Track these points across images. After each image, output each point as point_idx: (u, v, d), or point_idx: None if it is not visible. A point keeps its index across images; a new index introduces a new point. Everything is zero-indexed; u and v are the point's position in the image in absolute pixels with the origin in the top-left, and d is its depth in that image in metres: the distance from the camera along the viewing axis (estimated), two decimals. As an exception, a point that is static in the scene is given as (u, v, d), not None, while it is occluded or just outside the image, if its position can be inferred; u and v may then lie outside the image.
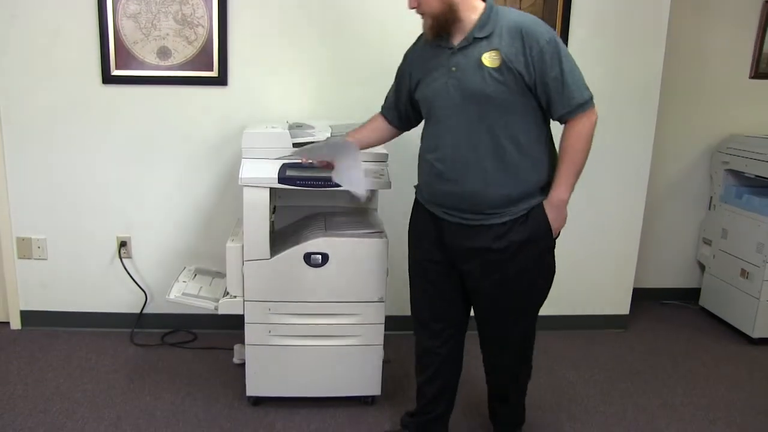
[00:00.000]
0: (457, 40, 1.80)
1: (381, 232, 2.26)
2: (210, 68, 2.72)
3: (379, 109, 2.13)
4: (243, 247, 2.19)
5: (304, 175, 2.14)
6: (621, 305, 3.19)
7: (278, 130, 2.26)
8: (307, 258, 2.19)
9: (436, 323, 2.03)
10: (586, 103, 1.77)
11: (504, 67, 1.73)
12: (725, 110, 3.41)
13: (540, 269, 1.92)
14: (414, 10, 1.82)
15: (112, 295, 2.94)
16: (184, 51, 2.70)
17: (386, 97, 2.11)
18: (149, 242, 2.90)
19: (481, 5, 1.81)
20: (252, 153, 2.20)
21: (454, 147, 1.82)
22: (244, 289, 2.23)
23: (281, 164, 2.17)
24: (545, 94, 1.76)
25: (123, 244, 2.88)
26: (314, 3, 2.70)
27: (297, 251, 2.19)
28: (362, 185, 2.03)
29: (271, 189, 2.14)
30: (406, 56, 2.02)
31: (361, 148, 2.08)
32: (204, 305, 2.33)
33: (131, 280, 2.90)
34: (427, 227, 1.95)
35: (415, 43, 2.00)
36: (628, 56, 2.88)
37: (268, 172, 2.13)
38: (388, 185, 2.17)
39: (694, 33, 3.27)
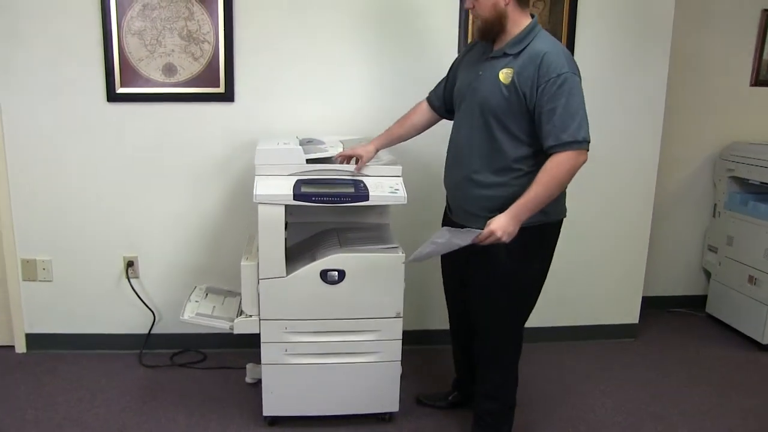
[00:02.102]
0: (495, 49, 1.97)
1: (396, 246, 2.25)
2: (216, 84, 2.70)
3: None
4: (258, 265, 2.16)
5: (320, 191, 2.12)
6: (630, 314, 3.19)
7: (291, 145, 2.24)
8: (324, 275, 2.17)
9: None
10: (576, 143, 1.83)
11: (512, 85, 1.88)
12: (727, 118, 3.44)
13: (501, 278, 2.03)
14: (469, 11, 2.03)
15: (120, 315, 2.89)
16: (190, 67, 2.68)
17: (436, 85, 2.28)
18: (157, 261, 2.86)
19: (526, 23, 1.92)
20: (265, 170, 2.18)
21: (459, 142, 2.06)
22: (259, 307, 2.20)
23: (295, 180, 2.15)
24: (539, 123, 1.86)
25: (130, 264, 2.84)
26: (319, 19, 2.69)
27: (313, 269, 2.17)
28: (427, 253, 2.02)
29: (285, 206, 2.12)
30: (456, 59, 2.22)
31: (407, 134, 2.31)
32: (219, 325, 2.30)
33: (139, 300, 2.85)
34: None
35: (464, 50, 2.21)
36: (633, 66, 2.89)
37: (283, 188, 2.11)
38: (404, 200, 2.15)
39: (695, 42, 3.29)
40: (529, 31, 1.92)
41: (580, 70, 1.90)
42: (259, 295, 2.19)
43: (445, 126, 2.20)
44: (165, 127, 2.73)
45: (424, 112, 2.29)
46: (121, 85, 2.67)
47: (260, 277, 2.17)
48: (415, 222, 2.62)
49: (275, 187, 2.12)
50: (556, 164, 1.84)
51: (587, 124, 1.85)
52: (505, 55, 1.93)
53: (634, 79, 2.91)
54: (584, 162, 1.86)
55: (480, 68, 1.99)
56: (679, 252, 3.58)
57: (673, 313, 3.56)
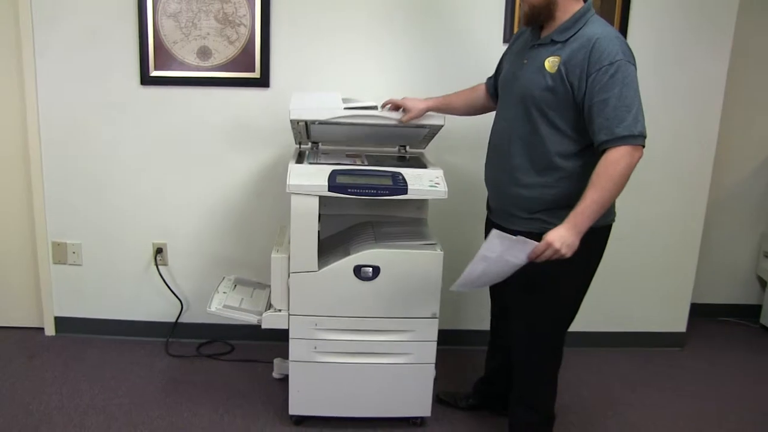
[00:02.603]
0: (542, 36, 1.83)
1: (434, 243, 2.13)
2: (252, 69, 2.61)
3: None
4: (289, 258, 2.07)
5: (356, 182, 2.01)
6: (678, 322, 3.02)
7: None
8: (357, 271, 2.06)
9: None
10: (631, 137, 1.66)
11: (558, 75, 1.73)
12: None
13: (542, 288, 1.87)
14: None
15: (147, 303, 2.84)
16: (225, 51, 2.60)
17: (490, 76, 2.17)
18: (186, 249, 2.80)
19: (577, 8, 1.78)
20: (300, 113, 2.09)
21: (500, 135, 1.93)
22: (289, 302, 2.11)
23: (330, 170, 2.05)
24: (589, 116, 1.70)
25: (159, 251, 2.78)
26: (361, 2, 2.58)
27: (347, 263, 2.06)
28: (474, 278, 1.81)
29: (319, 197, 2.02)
30: (513, 37, 2.06)
31: (462, 108, 2.21)
32: (246, 318, 2.21)
33: (167, 288, 2.79)
34: None
35: (513, 37, 2.05)
36: (690, 57, 2.71)
37: (317, 178, 2.01)
38: (444, 194, 2.03)
39: (760, 33, 3.07)
40: (580, 16, 1.76)
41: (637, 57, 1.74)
42: (289, 289, 2.10)
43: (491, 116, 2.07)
44: (198, 112, 2.65)
45: (481, 93, 2.18)
46: (155, 68, 2.60)
47: (291, 271, 2.07)
48: (455, 218, 2.50)
49: (309, 177, 2.02)
50: (611, 162, 1.67)
51: (643, 117, 1.69)
52: (553, 42, 1.78)
53: (691, 70, 2.72)
54: (639, 159, 1.69)
55: (525, 56, 1.86)
56: (732, 258, 3.38)
57: (724, 323, 3.37)
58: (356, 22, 2.59)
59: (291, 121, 2.12)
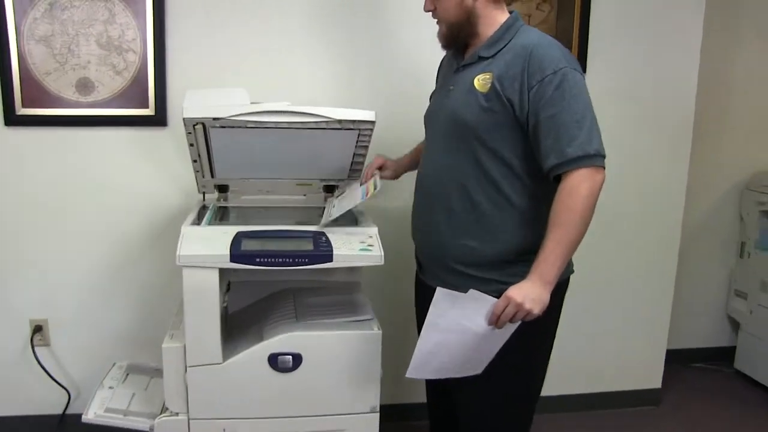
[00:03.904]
0: (467, 56, 1.55)
1: (370, 319, 1.71)
2: (145, 105, 2.15)
3: None
4: (185, 347, 1.61)
5: (267, 249, 1.57)
6: (652, 378, 2.68)
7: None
8: (273, 360, 1.62)
9: None
10: (587, 158, 1.34)
11: (493, 92, 1.44)
12: (757, 143, 2.96)
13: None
14: (430, 14, 1.58)
15: (28, 393, 2.30)
16: (110, 83, 2.13)
17: None
18: (72, 325, 2.27)
19: (503, 20, 1.48)
20: (197, 111, 1.67)
21: (429, 178, 1.61)
22: (188, 403, 1.64)
23: (235, 233, 1.61)
24: (535, 137, 1.41)
25: (38, 329, 2.26)
26: (275, 15, 2.16)
27: (259, 352, 1.62)
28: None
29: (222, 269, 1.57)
30: (438, 69, 1.77)
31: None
32: (134, 426, 1.72)
33: (46, 374, 2.27)
34: None
35: (441, 62, 1.76)
36: (657, 84, 2.40)
37: (217, 245, 1.56)
38: (380, 259, 1.61)
39: (722, 57, 2.81)
40: (509, 26, 1.49)
41: (596, 83, 1.45)
42: (187, 386, 1.63)
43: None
44: (80, 158, 2.16)
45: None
46: (24, 106, 2.10)
47: (188, 364, 1.61)
48: (397, 276, 2.09)
49: (207, 243, 1.57)
50: (569, 191, 1.35)
51: (599, 133, 1.38)
52: (481, 59, 1.50)
53: (657, 99, 2.42)
54: (602, 182, 1.37)
55: (450, 82, 1.57)
56: (703, 297, 3.06)
57: (697, 369, 3.05)
58: (277, 41, 2.18)
59: (186, 126, 1.70)
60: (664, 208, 2.54)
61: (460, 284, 1.40)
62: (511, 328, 1.38)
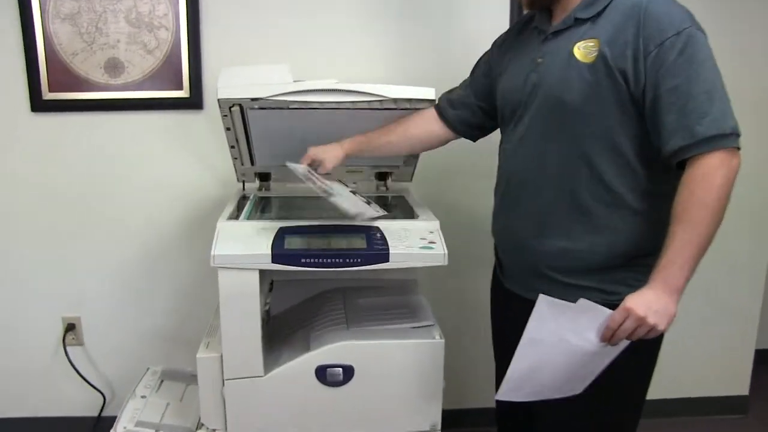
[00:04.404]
0: (557, 21, 1.28)
1: (431, 324, 1.50)
2: (179, 86, 1.97)
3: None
4: (222, 357, 1.43)
5: (313, 248, 1.37)
6: (738, 383, 2.40)
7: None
8: (321, 373, 1.42)
9: None
10: (721, 137, 1.09)
11: (600, 63, 1.17)
12: None
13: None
14: None
15: (63, 394, 2.18)
16: (141, 63, 1.95)
17: (451, 89, 1.56)
18: (106, 323, 2.14)
19: None
20: (233, 91, 1.46)
21: (516, 171, 1.34)
22: (226, 419, 1.46)
23: (277, 229, 1.42)
24: (654, 114, 1.15)
25: (70, 328, 2.12)
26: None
27: (305, 363, 1.42)
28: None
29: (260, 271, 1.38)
30: (494, 43, 1.49)
31: (396, 144, 1.55)
32: (167, 443, 1.56)
33: (79, 375, 2.13)
34: None
35: (509, 29, 1.48)
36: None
37: (256, 244, 1.37)
38: (443, 259, 1.40)
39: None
40: None
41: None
42: (225, 401, 1.45)
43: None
44: (110, 145, 2.00)
45: (429, 121, 1.55)
46: (50, 90, 1.95)
47: (226, 377, 1.43)
48: (463, 271, 1.88)
49: (245, 242, 1.38)
50: (700, 180, 1.10)
51: (730, 106, 1.12)
52: (578, 21, 1.23)
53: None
54: (738, 168, 1.12)
55: (538, 53, 1.29)
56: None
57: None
58: (319, 21, 1.96)
59: (221, 109, 1.51)
60: (753, 192, 2.24)
61: (551, 292, 1.16)
62: (623, 344, 1.15)
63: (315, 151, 1.49)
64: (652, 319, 1.09)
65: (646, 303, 1.10)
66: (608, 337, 1.13)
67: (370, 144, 1.54)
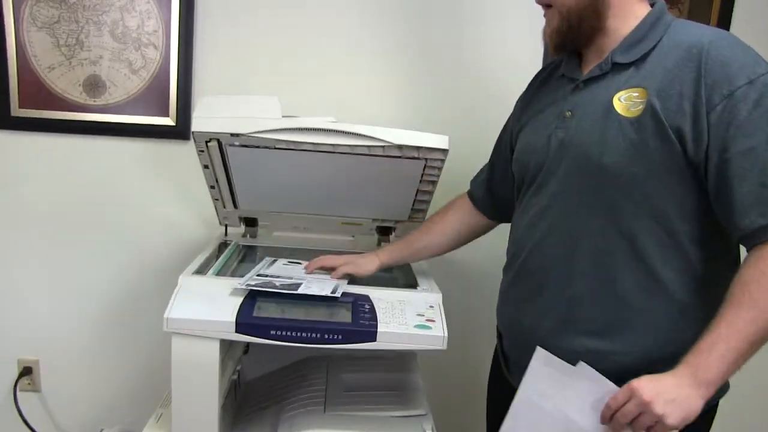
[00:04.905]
0: (588, 68, 1.07)
1: (423, 414, 1.26)
2: (165, 112, 1.76)
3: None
4: (171, 438, 1.19)
5: (288, 318, 1.14)
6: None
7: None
8: (291, 468, 1.18)
9: None
10: None
11: (648, 118, 0.96)
12: None
13: None
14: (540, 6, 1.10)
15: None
16: (125, 84, 1.75)
17: (480, 169, 1.39)
18: (68, 366, 1.90)
19: (644, 13, 1.00)
20: (208, 124, 1.28)
21: (534, 250, 1.11)
22: None
23: (248, 291, 1.19)
24: (721, 182, 0.93)
25: (26, 372, 1.90)
26: (331, 12, 1.74)
27: (271, 455, 1.19)
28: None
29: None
30: (516, 104, 1.28)
31: (435, 244, 1.36)
32: None
33: (29, 429, 1.89)
34: None
35: (530, 84, 1.27)
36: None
37: (220, 308, 1.14)
38: (442, 342, 1.15)
39: None
40: (655, 20, 1.02)
41: None
42: (173, 492, 1.21)
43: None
44: (85, 173, 1.79)
45: (463, 211, 1.38)
46: (21, 106, 1.75)
47: (174, 463, 1.19)
48: (464, 341, 1.63)
49: (207, 305, 1.15)
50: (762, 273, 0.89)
51: None
52: (618, 67, 1.03)
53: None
54: None
55: (566, 105, 1.09)
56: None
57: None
58: (333, 32, 1.75)
59: (196, 143, 1.33)
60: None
61: None
62: None
63: (346, 269, 1.30)
64: (659, 408, 0.88)
65: (657, 388, 0.89)
66: (607, 417, 0.93)
67: (409, 251, 1.37)
